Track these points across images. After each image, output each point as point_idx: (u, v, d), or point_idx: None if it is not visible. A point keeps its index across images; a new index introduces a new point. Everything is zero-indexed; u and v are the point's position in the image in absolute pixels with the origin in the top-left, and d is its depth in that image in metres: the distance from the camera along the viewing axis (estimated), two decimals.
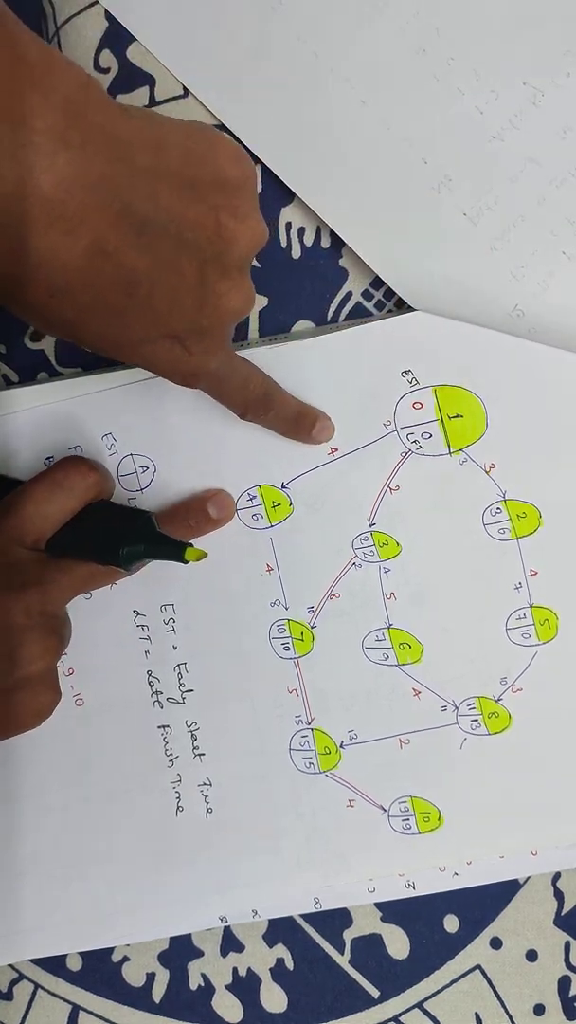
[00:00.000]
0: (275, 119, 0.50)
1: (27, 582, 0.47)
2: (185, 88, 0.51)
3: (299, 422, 0.50)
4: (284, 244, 0.52)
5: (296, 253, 0.52)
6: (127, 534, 0.48)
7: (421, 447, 0.50)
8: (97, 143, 0.33)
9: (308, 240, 0.52)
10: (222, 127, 0.51)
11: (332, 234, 0.51)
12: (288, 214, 0.52)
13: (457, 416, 0.50)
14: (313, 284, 0.53)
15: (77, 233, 0.33)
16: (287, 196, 0.52)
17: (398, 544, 0.52)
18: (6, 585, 0.46)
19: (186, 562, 0.47)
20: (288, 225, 0.52)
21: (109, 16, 0.51)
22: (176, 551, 0.47)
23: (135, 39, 0.51)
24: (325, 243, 0.52)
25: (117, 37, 0.52)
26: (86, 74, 0.34)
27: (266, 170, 0.51)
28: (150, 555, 0.48)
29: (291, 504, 0.52)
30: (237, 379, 0.46)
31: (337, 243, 0.52)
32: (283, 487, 0.52)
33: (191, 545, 0.47)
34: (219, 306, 0.39)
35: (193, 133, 0.37)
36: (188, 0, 0.50)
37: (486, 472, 0.50)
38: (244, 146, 0.51)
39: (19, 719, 0.47)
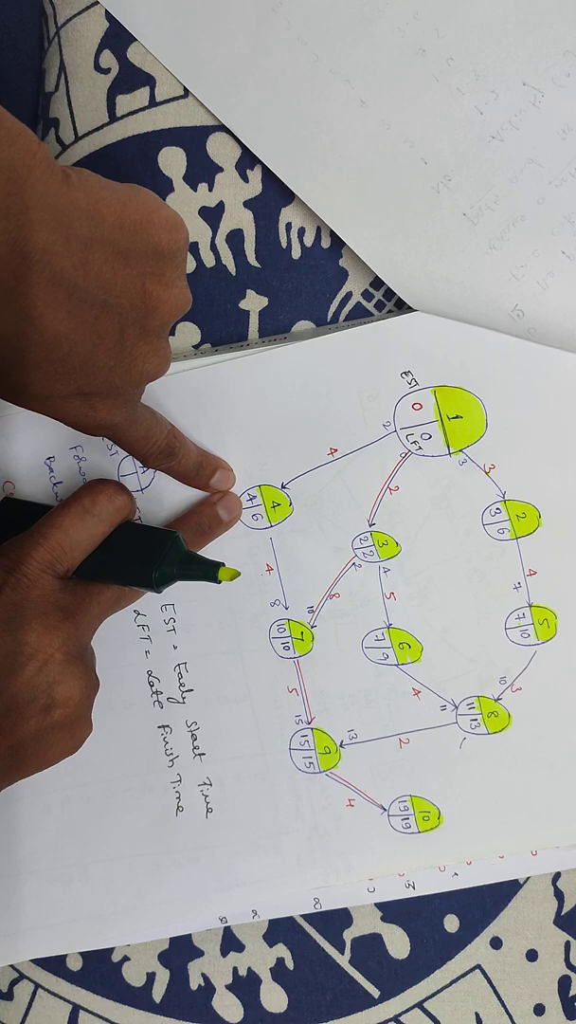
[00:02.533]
0: (275, 119, 0.50)
1: (62, 617, 0.46)
2: (185, 88, 0.51)
3: (199, 472, 0.51)
4: (284, 244, 0.52)
5: (296, 253, 0.52)
6: (159, 556, 0.48)
7: (421, 448, 0.50)
8: (36, 211, 0.34)
9: (308, 240, 0.52)
10: (222, 127, 0.51)
11: (332, 234, 0.51)
12: (288, 214, 0.52)
13: (457, 417, 0.50)
14: (313, 284, 0.53)
15: (4, 299, 0.35)
16: (287, 196, 0.52)
17: (398, 544, 0.52)
18: (41, 620, 0.46)
19: (219, 582, 0.47)
20: (288, 225, 0.52)
21: (109, 16, 0.52)
22: (210, 571, 0.47)
23: (135, 39, 0.51)
24: (325, 243, 0.52)
25: (117, 37, 0.52)
26: (35, 141, 0.35)
27: (266, 170, 0.51)
28: (183, 577, 0.48)
29: (291, 504, 0.52)
30: (140, 430, 0.46)
31: (337, 243, 0.52)
32: (283, 487, 0.52)
33: (223, 564, 0.47)
34: (133, 368, 0.41)
35: (131, 200, 0.38)
36: (188, 1, 0.50)
37: (486, 473, 0.50)
38: (244, 146, 0.51)
39: (54, 755, 0.47)
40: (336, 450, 0.51)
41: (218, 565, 0.47)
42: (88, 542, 0.48)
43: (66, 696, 0.46)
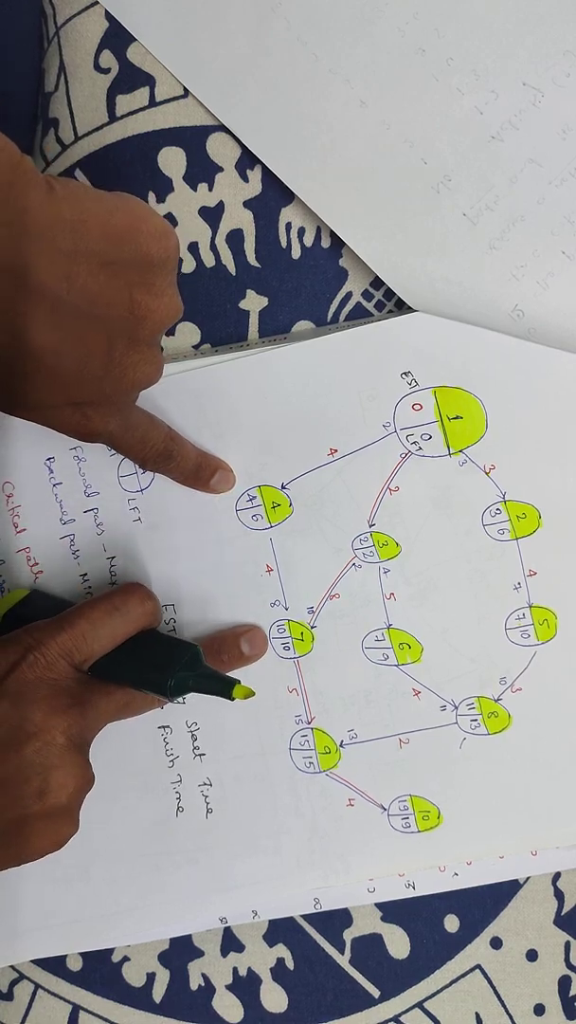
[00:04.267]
0: (275, 119, 0.50)
1: (70, 702, 0.46)
2: (185, 88, 0.51)
3: (199, 473, 0.52)
4: (284, 244, 0.52)
5: (296, 253, 0.52)
6: (175, 666, 0.48)
7: (421, 448, 0.50)
8: (19, 225, 0.35)
9: (308, 240, 0.52)
10: (222, 127, 0.51)
11: (332, 234, 0.51)
12: (288, 214, 0.52)
13: (457, 417, 0.50)
14: (313, 284, 0.53)
15: None
16: (287, 196, 0.52)
17: (398, 545, 0.52)
18: (49, 701, 0.46)
19: (232, 699, 0.47)
20: (288, 225, 0.52)
21: (109, 16, 0.51)
22: (224, 687, 0.47)
23: (135, 39, 0.51)
24: (325, 243, 0.52)
25: (117, 37, 0.52)
26: (18, 153, 0.35)
27: (266, 170, 0.51)
28: (197, 688, 0.48)
29: (291, 505, 0.52)
30: (136, 435, 0.47)
31: (337, 243, 0.52)
32: (283, 488, 0.52)
33: (239, 682, 0.47)
34: (124, 377, 0.41)
35: (117, 210, 0.38)
36: (188, 1, 0.50)
37: (486, 473, 0.50)
38: (244, 146, 0.51)
39: (34, 848, 0.46)
40: (336, 450, 0.51)
41: (233, 683, 0.47)
42: (111, 639, 0.48)
43: (61, 783, 0.45)
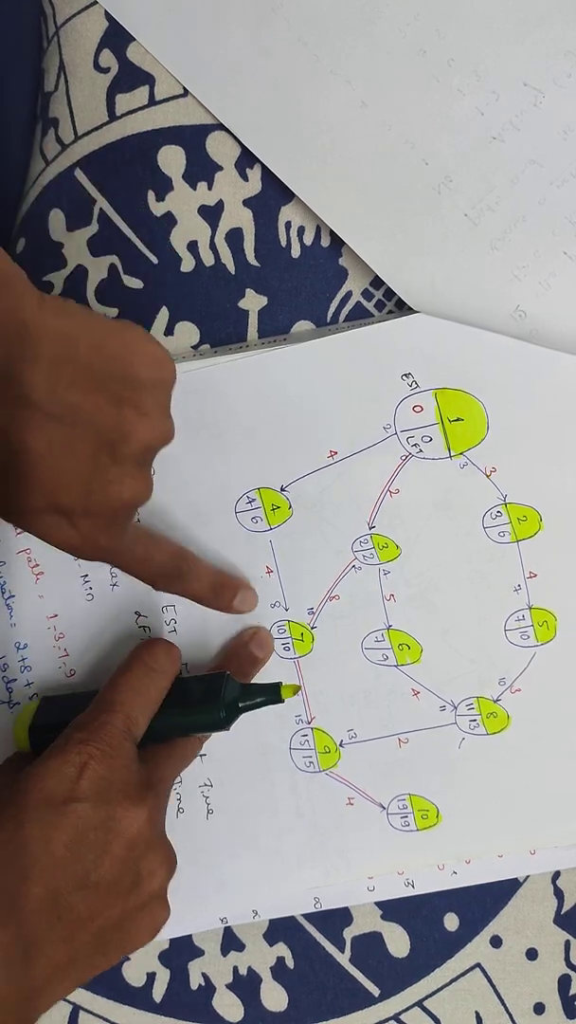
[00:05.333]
0: (275, 119, 0.50)
1: (144, 787, 0.45)
2: (185, 88, 0.51)
3: (218, 593, 0.51)
4: (284, 244, 0.52)
5: (296, 253, 0.52)
6: (219, 696, 0.48)
7: (421, 450, 0.50)
8: (5, 329, 0.35)
9: (308, 239, 0.52)
10: (221, 127, 0.51)
11: (332, 233, 0.51)
12: (288, 213, 0.52)
13: (458, 419, 0.50)
14: (313, 283, 0.52)
15: None
16: (287, 195, 0.51)
17: (398, 547, 0.52)
18: (126, 793, 0.44)
19: (283, 701, 0.49)
20: (288, 224, 0.52)
21: (109, 16, 0.51)
22: (272, 694, 0.49)
23: (135, 39, 0.51)
24: (325, 242, 0.52)
25: (117, 37, 0.51)
26: (12, 266, 0.36)
27: (266, 169, 0.51)
28: (248, 707, 0.49)
29: (290, 507, 0.52)
30: (137, 553, 0.46)
31: (337, 242, 0.52)
32: (282, 490, 0.52)
33: (281, 683, 0.49)
34: (108, 492, 0.40)
35: (111, 332, 0.39)
36: (188, 0, 0.50)
37: (487, 475, 0.50)
38: (244, 146, 0.51)
39: (134, 943, 0.45)
40: (336, 452, 0.51)
41: (278, 686, 0.49)
42: (156, 700, 0.48)
43: (151, 872, 0.45)
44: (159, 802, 0.46)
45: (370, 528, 0.52)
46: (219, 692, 0.48)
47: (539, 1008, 0.55)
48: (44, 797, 0.42)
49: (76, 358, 0.37)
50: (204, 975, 0.57)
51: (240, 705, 0.49)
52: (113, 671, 0.49)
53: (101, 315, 0.40)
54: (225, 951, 0.57)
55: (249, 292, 0.53)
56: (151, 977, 0.57)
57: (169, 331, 0.53)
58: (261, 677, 0.53)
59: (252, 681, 0.53)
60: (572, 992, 0.55)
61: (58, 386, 0.37)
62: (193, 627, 0.54)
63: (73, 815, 0.42)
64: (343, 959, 0.56)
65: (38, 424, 0.37)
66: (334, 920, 0.56)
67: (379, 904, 0.56)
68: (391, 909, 0.56)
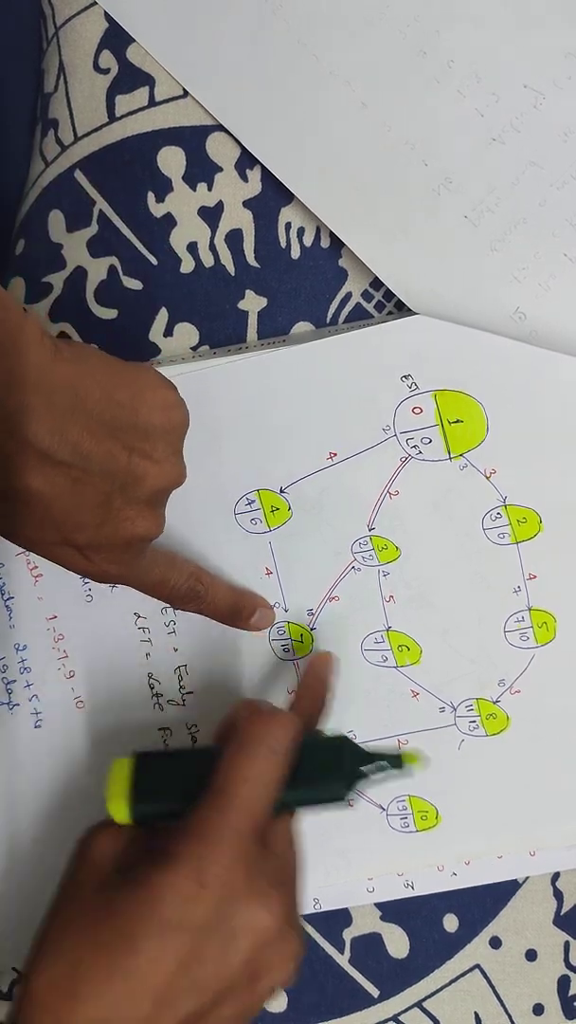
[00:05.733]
0: (275, 120, 0.50)
1: (270, 882, 0.40)
2: (184, 89, 0.51)
3: (235, 612, 0.52)
4: (283, 244, 0.52)
5: (295, 253, 0.52)
6: (344, 769, 0.44)
7: (421, 452, 0.50)
8: (18, 380, 0.36)
9: (308, 240, 0.52)
10: (221, 128, 0.51)
11: (332, 234, 0.51)
12: (288, 214, 0.52)
13: (457, 421, 0.50)
14: (313, 284, 0.52)
15: None
16: (286, 196, 0.51)
17: (397, 548, 0.52)
18: (251, 887, 0.39)
19: (402, 767, 0.44)
20: (288, 225, 0.52)
21: (108, 17, 0.51)
22: (395, 763, 0.44)
23: (134, 40, 0.51)
24: (325, 243, 0.52)
25: (117, 38, 0.51)
26: (23, 316, 0.37)
27: (266, 170, 0.51)
28: (375, 780, 0.44)
29: (290, 509, 0.52)
30: (152, 577, 0.47)
31: (337, 243, 0.52)
32: (282, 492, 0.52)
33: (402, 752, 0.44)
34: (120, 529, 0.41)
35: (123, 378, 0.40)
36: (187, 1, 0.50)
37: (486, 477, 0.50)
38: (243, 147, 0.51)
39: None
40: (335, 454, 0.51)
41: (399, 755, 0.44)
42: (279, 787, 0.42)
43: (279, 965, 0.40)
44: (290, 898, 0.42)
45: (370, 529, 0.52)
46: (339, 763, 0.44)
47: (538, 1009, 0.55)
48: (160, 921, 0.38)
49: (86, 408, 0.38)
50: None
51: (368, 779, 0.44)
52: (225, 748, 0.43)
53: (115, 360, 0.41)
54: None
55: (249, 293, 0.53)
56: None
57: (168, 332, 0.53)
58: (257, 676, 0.53)
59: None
60: (571, 993, 0.55)
61: (69, 435, 0.38)
62: (193, 628, 0.54)
63: (191, 941, 0.38)
64: (343, 960, 0.56)
65: (50, 471, 0.38)
66: (334, 921, 0.56)
67: (379, 905, 0.56)
68: (391, 910, 0.56)
